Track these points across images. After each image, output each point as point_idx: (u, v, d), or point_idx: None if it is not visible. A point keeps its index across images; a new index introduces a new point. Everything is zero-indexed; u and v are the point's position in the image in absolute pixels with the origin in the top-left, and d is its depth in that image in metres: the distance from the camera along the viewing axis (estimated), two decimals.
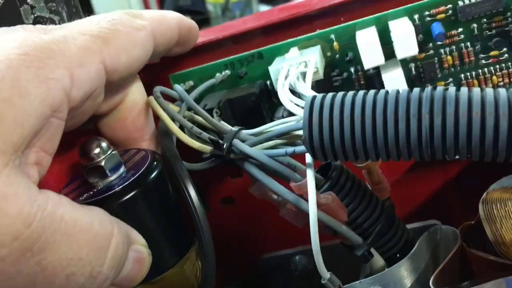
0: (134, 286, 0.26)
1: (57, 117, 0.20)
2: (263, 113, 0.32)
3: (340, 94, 0.21)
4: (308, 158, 0.24)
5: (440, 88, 0.20)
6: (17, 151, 0.18)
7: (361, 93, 0.21)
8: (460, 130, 0.19)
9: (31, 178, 0.19)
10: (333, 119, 0.21)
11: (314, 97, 0.22)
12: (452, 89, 0.20)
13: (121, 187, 0.24)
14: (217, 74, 0.33)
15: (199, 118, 0.29)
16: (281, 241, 0.38)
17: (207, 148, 0.27)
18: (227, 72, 0.33)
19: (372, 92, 0.21)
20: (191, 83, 0.34)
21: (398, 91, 0.20)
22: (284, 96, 0.25)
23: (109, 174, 0.24)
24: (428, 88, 0.20)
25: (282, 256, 0.36)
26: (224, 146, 0.26)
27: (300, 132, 0.25)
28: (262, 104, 0.32)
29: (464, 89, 0.20)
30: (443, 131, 0.19)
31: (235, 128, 0.27)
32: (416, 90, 0.20)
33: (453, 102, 0.19)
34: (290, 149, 0.24)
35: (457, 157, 0.20)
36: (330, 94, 0.22)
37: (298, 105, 0.24)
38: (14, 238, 0.17)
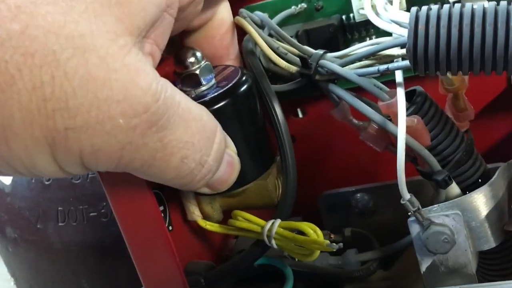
0: (217, 197, 0.27)
1: (169, 13, 0.21)
2: (339, 47, 0.33)
3: (447, 5, 0.21)
4: (399, 76, 0.24)
5: None
6: (140, 35, 0.19)
7: (469, 4, 0.21)
8: None
9: None
10: (439, 28, 0.21)
11: (419, 8, 0.22)
12: None
13: (213, 95, 0.25)
14: (293, 7, 0.33)
15: (280, 43, 0.29)
16: (340, 180, 0.38)
17: (293, 68, 0.27)
18: (303, 5, 0.33)
19: (481, 4, 0.21)
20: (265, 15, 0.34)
21: (510, 2, 0.20)
22: (375, 17, 0.25)
23: (203, 83, 0.25)
24: None
25: (342, 193, 0.37)
26: (312, 66, 0.26)
27: (391, 52, 0.25)
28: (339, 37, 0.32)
29: None
30: None
31: (320, 51, 0.27)
32: None
33: None
34: (382, 67, 0.24)
35: None
36: (435, 6, 0.22)
37: (393, 23, 0.24)
38: (144, 110, 0.18)
